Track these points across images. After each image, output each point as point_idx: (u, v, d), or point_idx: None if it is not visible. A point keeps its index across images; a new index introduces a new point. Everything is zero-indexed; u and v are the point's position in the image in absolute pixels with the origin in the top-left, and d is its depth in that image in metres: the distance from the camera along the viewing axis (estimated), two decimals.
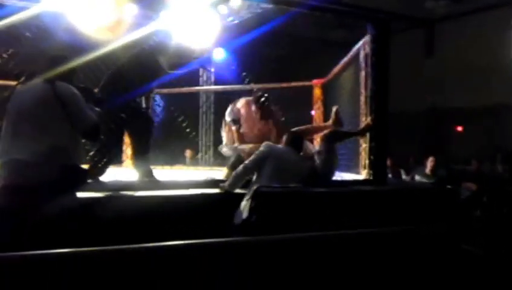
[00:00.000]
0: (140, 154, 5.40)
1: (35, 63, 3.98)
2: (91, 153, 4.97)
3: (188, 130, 9.91)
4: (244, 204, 4.49)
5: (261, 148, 4.92)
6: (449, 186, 6.31)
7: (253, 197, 4.37)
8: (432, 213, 5.14)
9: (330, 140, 5.39)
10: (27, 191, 3.28)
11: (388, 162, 7.15)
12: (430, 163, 9.42)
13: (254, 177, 4.84)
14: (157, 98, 9.84)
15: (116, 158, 5.39)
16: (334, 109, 6.09)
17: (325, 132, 5.65)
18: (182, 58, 5.91)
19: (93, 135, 3.78)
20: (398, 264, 3.52)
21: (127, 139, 8.94)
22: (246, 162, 4.94)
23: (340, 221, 4.51)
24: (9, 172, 3.42)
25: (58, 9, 6.74)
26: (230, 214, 4.52)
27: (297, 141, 5.21)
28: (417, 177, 9.28)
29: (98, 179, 4.90)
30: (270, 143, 5.09)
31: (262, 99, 5.98)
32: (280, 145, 5.16)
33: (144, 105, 5.91)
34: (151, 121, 5.77)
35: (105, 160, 5.12)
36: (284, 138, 5.23)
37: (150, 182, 5.21)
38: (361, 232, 3.58)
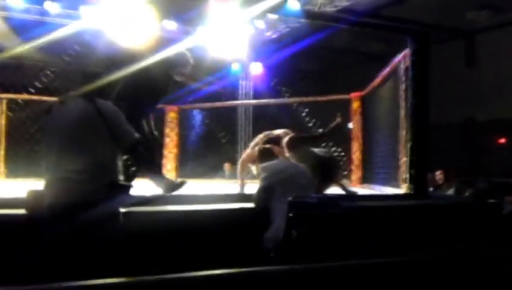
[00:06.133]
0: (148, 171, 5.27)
1: (72, 80, 4.00)
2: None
3: (225, 143, 10.04)
4: (278, 220, 4.38)
5: (263, 175, 4.80)
6: (491, 200, 6.14)
7: (291, 209, 4.27)
8: (474, 227, 5.04)
9: (290, 147, 5.38)
10: (73, 209, 3.30)
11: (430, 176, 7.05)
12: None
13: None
14: (196, 112, 9.97)
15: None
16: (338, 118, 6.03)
17: (285, 139, 5.62)
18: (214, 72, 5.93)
19: (136, 151, 3.80)
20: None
21: (166, 153, 9.13)
22: (255, 194, 4.81)
23: (383, 235, 4.46)
24: (55, 191, 3.43)
25: (97, 26, 6.90)
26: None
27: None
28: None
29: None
30: (267, 166, 4.95)
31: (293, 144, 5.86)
32: (276, 161, 5.10)
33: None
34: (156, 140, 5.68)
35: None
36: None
37: (188, 196, 5.22)
38: (413, 259, 3.47)
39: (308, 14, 6.68)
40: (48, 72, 7.57)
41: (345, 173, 8.34)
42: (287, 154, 5.55)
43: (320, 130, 6.22)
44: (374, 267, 3.13)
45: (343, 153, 8.41)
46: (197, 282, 2.62)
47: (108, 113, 3.56)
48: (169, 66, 5.60)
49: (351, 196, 5.95)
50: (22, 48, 7.46)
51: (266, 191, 4.69)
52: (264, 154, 5.32)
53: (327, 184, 5.73)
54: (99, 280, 2.33)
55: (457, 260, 3.42)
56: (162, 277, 2.46)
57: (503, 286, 3.43)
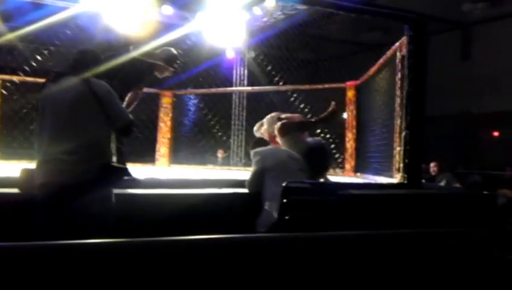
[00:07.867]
0: None
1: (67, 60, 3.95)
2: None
3: (219, 129, 10.02)
4: (270, 205, 4.40)
5: (255, 160, 4.81)
6: (484, 192, 6.16)
7: (284, 194, 4.27)
8: (468, 218, 5.05)
9: (283, 133, 5.38)
10: (66, 189, 3.28)
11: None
12: (433, 168, 9.41)
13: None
14: (191, 98, 9.94)
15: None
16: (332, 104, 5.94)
17: (277, 125, 5.58)
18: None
19: (129, 131, 3.77)
20: (431, 267, 3.44)
21: (160, 138, 9.12)
22: (248, 179, 4.84)
23: (374, 223, 4.47)
24: (48, 171, 3.40)
25: (95, 10, 6.84)
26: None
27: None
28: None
29: (132, 177, 4.91)
30: (259, 151, 4.95)
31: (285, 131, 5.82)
32: (270, 147, 5.17)
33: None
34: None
35: None
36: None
37: (181, 181, 5.22)
38: (397, 232, 3.51)
39: (306, 0, 6.64)
40: (44, 52, 7.50)
41: (339, 161, 8.33)
42: (279, 140, 5.53)
43: (316, 118, 6.15)
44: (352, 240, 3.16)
45: (337, 141, 8.39)
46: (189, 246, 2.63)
47: (102, 93, 3.51)
48: (154, 65, 5.62)
49: (346, 184, 5.94)
50: (16, 32, 7.41)
51: (259, 176, 4.69)
52: (257, 143, 5.32)
53: (318, 173, 5.71)
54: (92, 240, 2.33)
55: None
56: (157, 239, 2.46)
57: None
